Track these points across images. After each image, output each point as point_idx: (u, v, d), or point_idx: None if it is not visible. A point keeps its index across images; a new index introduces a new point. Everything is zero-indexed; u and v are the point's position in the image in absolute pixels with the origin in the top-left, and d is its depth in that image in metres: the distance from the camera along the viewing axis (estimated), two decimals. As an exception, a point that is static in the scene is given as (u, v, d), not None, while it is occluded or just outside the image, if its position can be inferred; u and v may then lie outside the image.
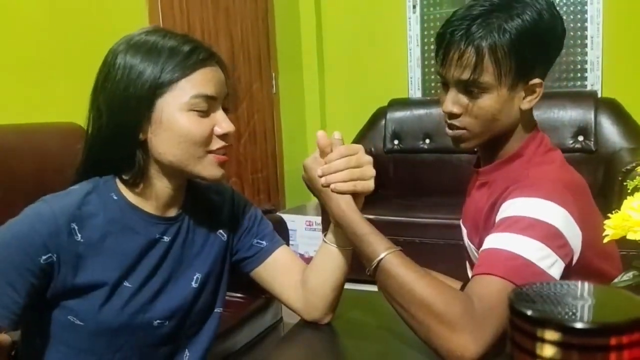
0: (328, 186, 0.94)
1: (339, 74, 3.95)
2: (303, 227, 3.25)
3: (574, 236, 0.89)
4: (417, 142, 3.36)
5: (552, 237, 0.86)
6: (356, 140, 3.50)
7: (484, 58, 0.94)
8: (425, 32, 3.71)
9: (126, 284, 0.92)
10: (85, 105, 2.66)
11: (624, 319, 0.31)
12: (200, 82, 0.90)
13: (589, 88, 3.29)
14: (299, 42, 3.93)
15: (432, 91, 3.74)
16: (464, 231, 1.17)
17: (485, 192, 1.06)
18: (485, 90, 0.97)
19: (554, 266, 0.85)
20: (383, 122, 3.44)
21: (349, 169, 0.93)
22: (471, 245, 1.12)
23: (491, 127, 1.00)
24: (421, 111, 3.39)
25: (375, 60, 3.82)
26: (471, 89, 0.97)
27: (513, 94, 0.97)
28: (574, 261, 0.90)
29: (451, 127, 1.03)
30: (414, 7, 3.68)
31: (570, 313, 0.32)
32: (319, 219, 3.16)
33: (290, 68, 3.81)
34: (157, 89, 0.88)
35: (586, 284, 0.36)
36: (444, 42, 0.99)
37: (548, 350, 0.31)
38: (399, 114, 3.43)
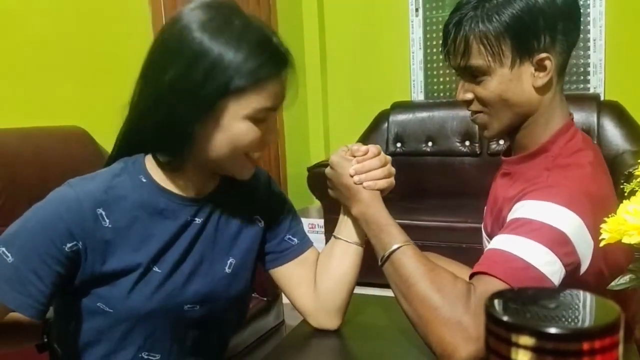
0: (360, 183, 0.98)
1: (341, 77, 3.95)
2: (306, 229, 3.24)
3: (584, 245, 0.87)
4: (419, 145, 3.37)
5: (559, 243, 0.85)
6: (359, 143, 3.51)
7: (470, 43, 0.97)
8: (428, 35, 3.71)
9: (156, 269, 0.90)
10: (88, 108, 2.67)
11: (596, 324, 0.31)
12: (268, 95, 0.87)
13: (591, 91, 3.28)
14: (302, 45, 3.94)
15: (435, 94, 3.75)
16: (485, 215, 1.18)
17: (506, 183, 1.06)
18: (483, 73, 0.98)
19: (556, 273, 0.84)
20: (386, 125, 3.45)
21: (381, 168, 0.98)
22: (484, 231, 1.14)
23: (503, 109, 1.00)
24: (424, 114, 3.40)
25: (378, 64, 3.82)
26: (473, 74, 0.99)
27: (518, 72, 0.96)
28: (582, 271, 0.89)
29: (471, 114, 1.06)
30: (417, 10, 3.68)
31: (545, 318, 0.33)
32: (321, 222, 3.16)
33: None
34: (226, 93, 0.84)
35: (564, 290, 0.37)
36: (445, 33, 1.03)
37: (522, 356, 0.31)
38: (402, 117, 3.43)
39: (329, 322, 1.05)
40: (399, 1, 3.72)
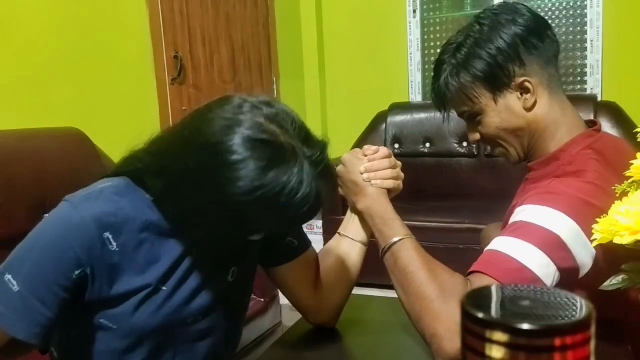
0: (369, 181, 1.02)
1: (339, 78, 3.96)
2: (305, 230, 3.26)
3: (582, 251, 0.88)
4: (417, 146, 3.38)
5: (553, 247, 0.87)
6: (357, 145, 3.52)
7: (448, 97, 1.08)
8: (426, 37, 3.72)
9: (163, 288, 0.88)
10: (86, 110, 2.66)
11: (567, 320, 0.32)
12: None
13: (589, 92, 3.29)
14: (300, 46, 3.95)
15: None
16: None
17: (522, 189, 1.10)
18: (475, 114, 1.06)
19: (550, 275, 0.86)
20: (384, 126, 3.46)
21: (391, 169, 1.03)
22: None
23: (509, 137, 1.06)
24: (422, 115, 3.40)
25: (376, 65, 3.83)
26: (467, 119, 1.09)
27: (504, 102, 1.03)
28: (581, 275, 0.90)
29: (491, 150, 1.15)
30: (414, 11, 3.69)
31: (518, 315, 0.34)
32: (319, 223, 3.16)
33: (291, 73, 3.83)
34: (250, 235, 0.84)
35: (539, 288, 0.37)
36: (432, 91, 1.13)
37: (497, 352, 0.32)
38: (400, 118, 3.44)
39: (329, 319, 1.07)
40: (397, 3, 3.73)
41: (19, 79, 2.16)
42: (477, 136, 1.09)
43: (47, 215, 0.86)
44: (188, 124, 0.83)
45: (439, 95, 1.09)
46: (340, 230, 1.09)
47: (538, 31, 1.03)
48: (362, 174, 1.02)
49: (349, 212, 1.08)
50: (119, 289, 0.84)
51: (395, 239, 0.94)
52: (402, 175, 1.04)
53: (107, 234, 0.82)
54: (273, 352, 1.07)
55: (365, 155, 1.04)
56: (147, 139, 0.90)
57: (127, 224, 0.84)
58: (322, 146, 0.82)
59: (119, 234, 0.83)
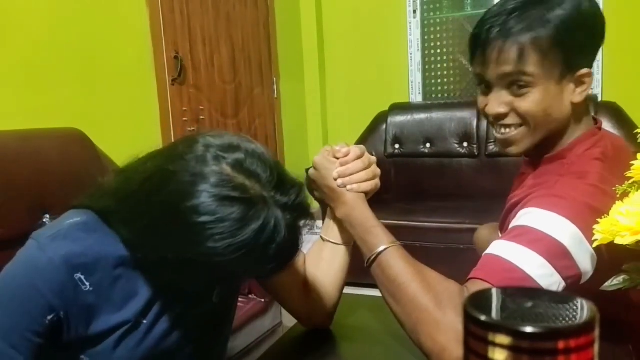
0: (344, 186, 0.97)
1: (340, 78, 3.97)
2: (304, 229, 3.25)
3: (585, 258, 0.86)
4: (417, 146, 3.38)
5: (557, 256, 0.84)
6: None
7: (526, 51, 0.92)
8: (426, 37, 3.72)
9: (143, 321, 0.85)
10: (87, 111, 2.66)
11: (571, 323, 0.32)
12: None
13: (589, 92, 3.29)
14: (300, 46, 3.95)
15: (433, 95, 3.76)
16: None
17: (519, 184, 1.06)
18: (531, 84, 0.94)
19: (553, 285, 0.84)
20: (384, 126, 3.46)
21: (365, 170, 0.97)
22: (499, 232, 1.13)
23: (543, 125, 0.97)
24: (422, 115, 3.41)
25: (376, 65, 3.83)
26: (517, 84, 0.95)
27: (562, 87, 0.94)
28: (582, 282, 0.88)
29: (501, 128, 1.01)
30: (415, 12, 3.70)
31: (521, 317, 0.33)
32: (320, 223, 3.16)
33: (292, 73, 3.83)
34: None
35: (542, 290, 0.37)
36: (480, 41, 0.97)
37: (499, 355, 0.32)
38: (400, 119, 3.44)
39: (322, 322, 1.06)
40: (397, 3, 3.73)
41: (19, 79, 2.16)
42: (503, 110, 0.97)
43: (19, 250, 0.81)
44: (149, 177, 0.78)
45: (511, 45, 0.93)
46: (322, 234, 1.05)
47: (603, 24, 0.98)
48: (335, 179, 0.96)
49: (327, 216, 1.04)
50: (96, 328, 0.81)
51: (381, 248, 0.90)
52: (378, 171, 0.99)
53: (79, 275, 0.78)
54: (273, 352, 1.07)
55: (337, 158, 0.97)
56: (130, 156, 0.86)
57: (100, 262, 0.80)
58: (297, 189, 0.78)
59: (91, 273, 0.79)
